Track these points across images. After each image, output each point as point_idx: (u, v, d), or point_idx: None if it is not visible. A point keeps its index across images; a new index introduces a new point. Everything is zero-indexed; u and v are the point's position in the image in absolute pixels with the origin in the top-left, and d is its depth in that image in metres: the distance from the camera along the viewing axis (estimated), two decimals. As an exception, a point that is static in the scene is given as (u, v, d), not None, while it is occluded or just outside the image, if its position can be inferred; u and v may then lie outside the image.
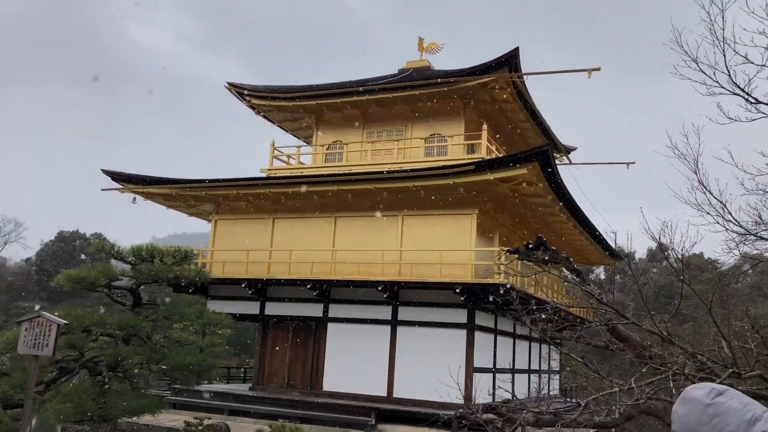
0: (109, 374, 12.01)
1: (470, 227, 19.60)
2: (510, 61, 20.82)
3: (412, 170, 19.72)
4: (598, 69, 19.87)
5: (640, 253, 51.64)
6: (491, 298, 18.00)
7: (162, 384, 21.47)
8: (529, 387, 23.69)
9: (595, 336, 8.51)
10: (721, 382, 5.82)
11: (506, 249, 13.97)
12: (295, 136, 28.28)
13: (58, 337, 10.42)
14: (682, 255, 6.90)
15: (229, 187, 22.21)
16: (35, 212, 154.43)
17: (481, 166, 18.46)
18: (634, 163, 27.41)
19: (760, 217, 7.84)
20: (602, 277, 52.14)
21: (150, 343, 12.87)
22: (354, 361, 20.50)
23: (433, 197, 19.81)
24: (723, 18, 6.61)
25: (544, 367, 26.81)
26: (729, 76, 6.86)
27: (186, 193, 22.88)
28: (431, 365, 18.30)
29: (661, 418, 6.45)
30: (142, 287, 14.09)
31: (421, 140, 23.25)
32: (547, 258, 7.11)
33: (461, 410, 9.00)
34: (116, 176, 23.57)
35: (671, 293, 38.07)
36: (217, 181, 22.35)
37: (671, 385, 5.73)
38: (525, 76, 21.68)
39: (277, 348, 22.16)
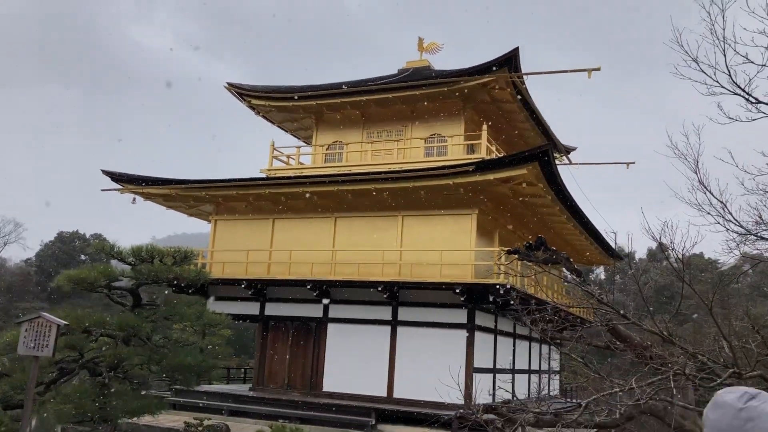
0: (109, 375, 12.01)
1: (470, 227, 19.60)
2: (510, 61, 20.82)
3: (412, 170, 19.71)
4: (598, 69, 19.88)
5: (640, 253, 51.63)
6: (491, 299, 17.99)
7: (162, 384, 21.48)
8: (529, 387, 23.69)
9: (596, 336, 8.51)
10: (721, 383, 5.83)
11: (506, 249, 13.96)
12: (295, 137, 28.28)
13: (58, 337, 10.43)
14: (682, 255, 6.89)
15: (229, 187, 22.21)
16: (35, 213, 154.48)
17: (481, 166, 18.46)
18: (634, 163, 27.40)
19: (760, 217, 7.84)
20: (602, 277, 52.13)
21: (150, 343, 12.87)
22: (354, 362, 20.50)
23: (433, 197, 19.81)
24: (723, 18, 6.61)
25: (545, 367, 26.80)
26: (729, 75, 6.86)
27: (186, 193, 22.87)
28: (431, 365, 18.29)
29: (662, 418, 6.44)
30: (142, 288, 14.08)
31: (421, 140, 23.25)
32: (547, 258, 7.10)
33: (461, 410, 8.99)
34: (116, 177, 23.56)
35: (671, 293, 38.08)
36: (217, 181, 22.35)
37: (672, 385, 5.73)
38: (525, 76, 21.70)
39: (277, 348, 22.17)
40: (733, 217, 7.66)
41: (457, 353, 18.87)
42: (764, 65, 6.62)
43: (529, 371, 25.06)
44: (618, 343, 7.26)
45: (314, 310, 21.57)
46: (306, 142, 27.52)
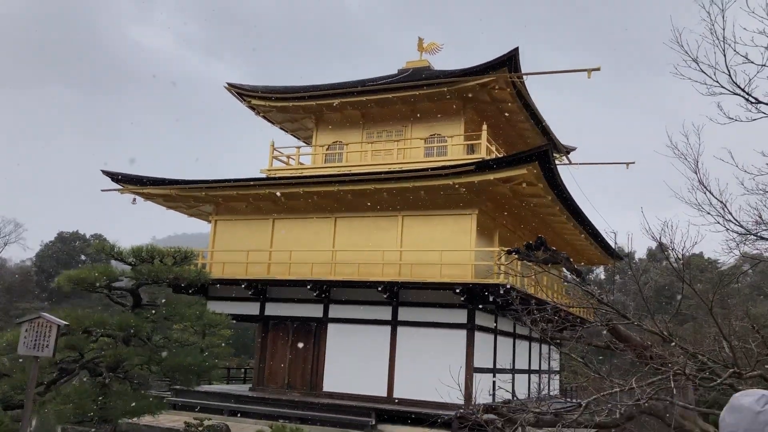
0: (110, 375, 12.02)
1: (470, 227, 19.60)
2: (510, 61, 20.82)
3: (412, 170, 19.71)
4: (598, 69, 19.87)
5: (640, 253, 51.59)
6: (491, 299, 17.99)
7: (162, 384, 21.46)
8: (529, 387, 23.69)
9: (596, 336, 8.51)
10: (722, 383, 5.83)
11: (506, 249, 13.96)
12: (295, 137, 28.28)
13: (59, 338, 10.43)
14: (682, 255, 6.89)
15: (229, 187, 22.20)
16: (35, 213, 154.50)
17: (481, 166, 18.46)
18: (634, 163, 27.41)
19: (760, 217, 7.84)
20: (602, 277, 52.12)
21: (150, 343, 12.87)
22: (354, 362, 20.50)
23: (433, 197, 19.81)
24: (723, 18, 6.61)
25: (545, 367, 26.80)
26: (729, 75, 6.86)
27: (186, 193, 22.87)
28: (431, 365, 18.29)
29: (662, 418, 6.44)
30: (142, 288, 14.08)
31: (421, 140, 23.25)
32: (547, 258, 7.10)
33: (461, 410, 8.99)
34: (116, 177, 23.56)
35: (671, 293, 38.09)
36: (217, 181, 22.34)
37: (672, 385, 5.73)
38: (525, 76, 21.69)
39: (277, 348, 22.17)
40: (733, 217, 7.66)
41: (457, 353, 18.87)
42: (764, 65, 6.62)
43: (529, 371, 25.06)
44: (618, 343, 7.26)
45: (314, 310, 21.57)
46: (306, 143, 27.52)
